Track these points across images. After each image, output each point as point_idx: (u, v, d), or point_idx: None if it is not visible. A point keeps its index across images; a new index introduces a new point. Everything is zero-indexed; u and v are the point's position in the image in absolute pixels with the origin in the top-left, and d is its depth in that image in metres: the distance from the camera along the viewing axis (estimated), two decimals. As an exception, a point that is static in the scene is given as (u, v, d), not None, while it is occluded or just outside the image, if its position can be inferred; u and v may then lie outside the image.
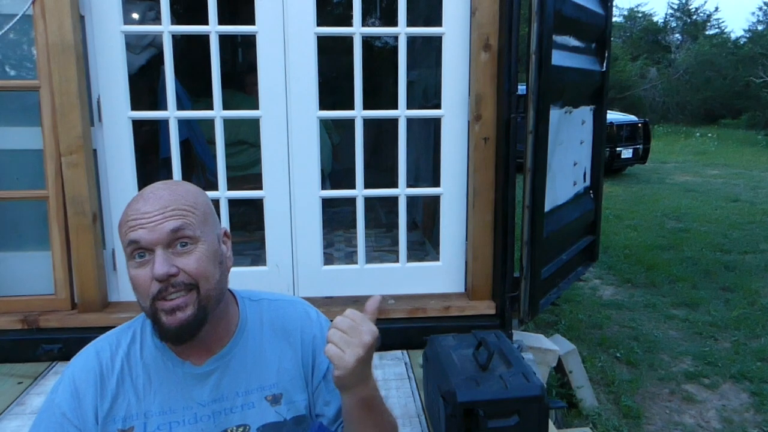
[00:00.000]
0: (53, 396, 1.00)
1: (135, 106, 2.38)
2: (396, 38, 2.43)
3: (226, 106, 2.40)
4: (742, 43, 22.97)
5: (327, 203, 2.57)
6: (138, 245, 0.91)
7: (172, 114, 2.38)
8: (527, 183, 2.37)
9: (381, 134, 4.66)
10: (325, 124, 3.62)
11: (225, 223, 2.44)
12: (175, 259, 0.92)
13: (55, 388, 1.01)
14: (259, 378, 1.03)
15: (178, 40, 3.71)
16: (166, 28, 2.30)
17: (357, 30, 2.37)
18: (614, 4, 3.29)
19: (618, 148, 9.88)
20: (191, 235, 0.93)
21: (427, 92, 3.92)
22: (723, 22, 36.46)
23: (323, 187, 2.56)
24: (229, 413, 1.00)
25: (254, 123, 2.49)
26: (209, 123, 2.47)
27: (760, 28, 23.22)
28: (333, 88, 3.33)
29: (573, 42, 2.81)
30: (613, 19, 4.20)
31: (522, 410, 1.68)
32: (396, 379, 2.24)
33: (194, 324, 0.93)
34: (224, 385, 1.01)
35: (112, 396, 0.98)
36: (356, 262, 2.60)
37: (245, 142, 3.62)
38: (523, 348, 2.50)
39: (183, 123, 3.01)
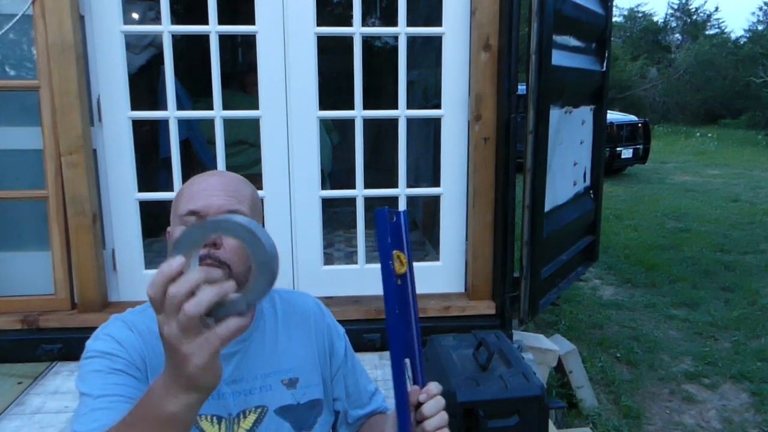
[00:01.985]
0: (94, 348, 0.97)
1: (135, 106, 2.38)
2: (396, 38, 2.43)
3: (226, 106, 2.40)
4: (742, 43, 22.97)
5: (327, 203, 2.57)
6: (197, 215, 0.99)
7: (172, 114, 2.38)
8: (527, 183, 2.37)
9: (381, 134, 4.65)
10: (325, 124, 3.61)
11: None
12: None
13: (90, 346, 0.98)
14: (277, 362, 1.08)
15: (178, 40, 3.70)
16: (166, 28, 2.30)
17: (357, 30, 2.37)
18: (614, 4, 3.30)
19: (618, 148, 9.87)
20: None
21: (427, 92, 3.92)
22: (723, 22, 36.46)
23: (323, 187, 2.56)
24: (249, 394, 1.04)
25: (254, 123, 2.49)
26: (209, 123, 2.47)
27: (760, 28, 23.25)
28: (333, 88, 3.32)
29: (573, 42, 2.81)
30: (613, 19, 4.20)
31: (522, 410, 1.69)
32: (396, 379, 2.23)
33: None
34: (244, 366, 1.05)
35: (154, 353, 0.99)
36: (356, 262, 2.60)
37: (245, 142, 3.61)
38: (523, 348, 2.50)
39: (183, 123, 3.01)
